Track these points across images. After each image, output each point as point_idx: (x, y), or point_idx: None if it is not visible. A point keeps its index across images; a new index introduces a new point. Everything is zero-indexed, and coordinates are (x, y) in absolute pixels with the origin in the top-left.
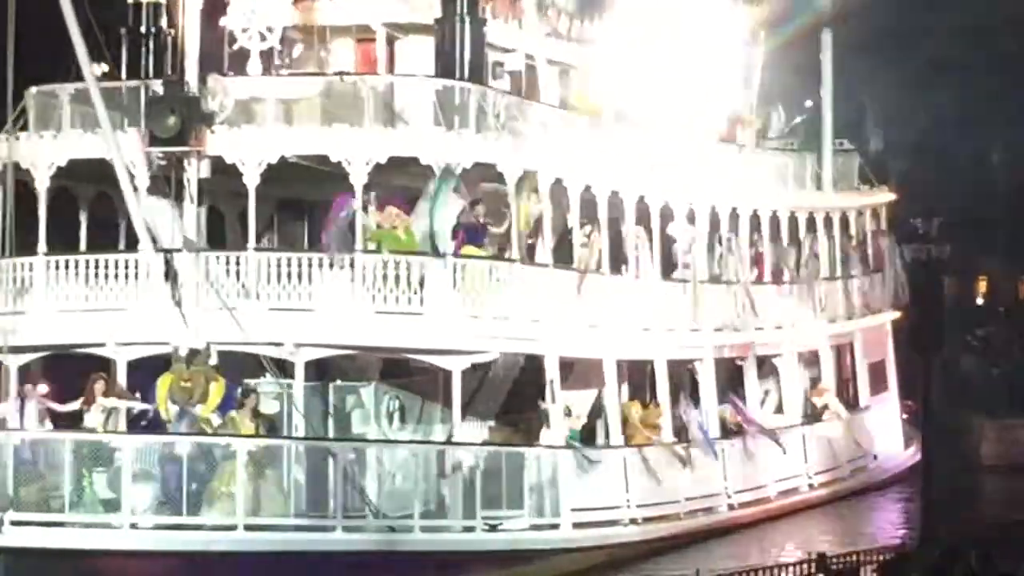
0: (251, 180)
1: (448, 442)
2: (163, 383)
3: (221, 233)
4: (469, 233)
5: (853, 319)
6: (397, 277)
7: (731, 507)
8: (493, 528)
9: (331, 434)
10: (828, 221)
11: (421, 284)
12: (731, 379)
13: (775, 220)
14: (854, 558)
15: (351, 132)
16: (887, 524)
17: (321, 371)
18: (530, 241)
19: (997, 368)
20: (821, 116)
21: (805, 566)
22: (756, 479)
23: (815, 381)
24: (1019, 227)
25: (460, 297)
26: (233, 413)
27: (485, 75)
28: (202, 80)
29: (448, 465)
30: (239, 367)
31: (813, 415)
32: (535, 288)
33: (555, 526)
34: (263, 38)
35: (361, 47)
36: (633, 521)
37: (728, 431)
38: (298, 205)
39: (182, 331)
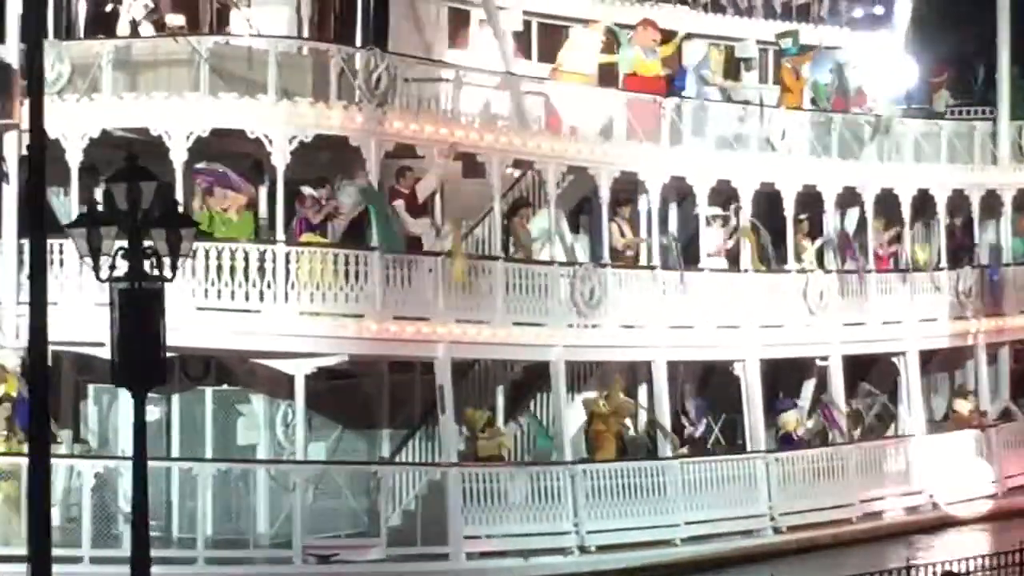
0: (74, 158)
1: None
2: None
3: None
4: (308, 220)
5: None
6: (220, 268)
7: (776, 531)
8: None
9: (208, 447)
10: (992, 201)
11: (262, 275)
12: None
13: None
14: None
15: (168, 102)
16: None
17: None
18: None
19: None
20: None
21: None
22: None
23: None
24: None
25: (295, 292)
26: None
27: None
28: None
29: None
30: None
31: (955, 424)
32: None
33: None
34: None
35: None
36: None
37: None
38: None
39: None
